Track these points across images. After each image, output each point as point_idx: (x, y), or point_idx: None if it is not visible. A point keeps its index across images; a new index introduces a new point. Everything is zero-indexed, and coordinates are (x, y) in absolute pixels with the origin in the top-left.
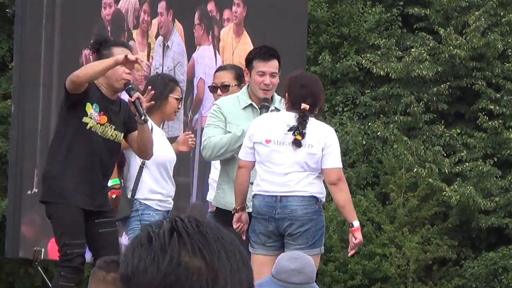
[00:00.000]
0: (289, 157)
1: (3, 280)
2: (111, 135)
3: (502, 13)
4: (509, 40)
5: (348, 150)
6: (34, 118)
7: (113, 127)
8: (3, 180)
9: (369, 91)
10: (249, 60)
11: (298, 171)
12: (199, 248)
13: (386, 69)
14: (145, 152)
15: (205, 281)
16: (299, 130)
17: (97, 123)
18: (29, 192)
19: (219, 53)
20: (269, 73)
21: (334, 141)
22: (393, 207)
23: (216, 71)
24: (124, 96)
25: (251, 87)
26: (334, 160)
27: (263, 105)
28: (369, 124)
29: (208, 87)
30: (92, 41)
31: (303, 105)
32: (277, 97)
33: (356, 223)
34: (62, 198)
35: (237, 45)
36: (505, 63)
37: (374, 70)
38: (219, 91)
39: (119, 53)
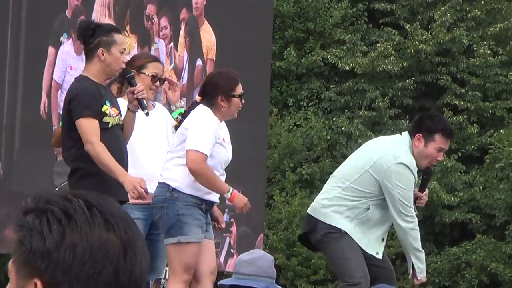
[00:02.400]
0: (174, 136)
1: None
2: (120, 120)
3: (467, 8)
4: (475, 36)
5: (312, 145)
6: None
7: (119, 112)
8: None
9: (334, 86)
10: (430, 130)
11: (172, 151)
12: (113, 223)
13: (351, 64)
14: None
15: (119, 253)
16: (180, 117)
17: (114, 117)
18: None
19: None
20: (444, 151)
21: (195, 124)
22: None
23: (156, 60)
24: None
25: (418, 154)
26: (190, 142)
27: (425, 178)
28: (334, 119)
29: (153, 76)
30: (79, 27)
31: (196, 97)
32: None
33: (227, 195)
34: (106, 194)
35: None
36: (470, 58)
37: (340, 65)
38: (157, 83)
39: (120, 40)
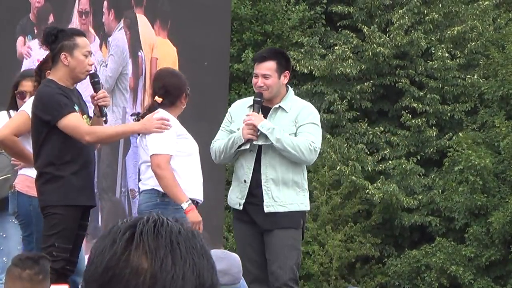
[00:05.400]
0: (140, 149)
1: None
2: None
3: (425, 11)
4: (432, 38)
5: None
6: None
7: (85, 116)
8: None
9: (292, 88)
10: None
11: (144, 162)
12: (145, 249)
13: (309, 67)
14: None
15: (142, 281)
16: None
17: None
18: None
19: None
20: (261, 75)
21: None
22: (316, 204)
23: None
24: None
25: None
26: (151, 147)
27: (255, 100)
28: None
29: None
30: (44, 33)
31: (156, 98)
32: (290, 97)
33: (185, 205)
34: (69, 199)
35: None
36: (428, 61)
37: (298, 67)
38: None
39: (83, 43)
